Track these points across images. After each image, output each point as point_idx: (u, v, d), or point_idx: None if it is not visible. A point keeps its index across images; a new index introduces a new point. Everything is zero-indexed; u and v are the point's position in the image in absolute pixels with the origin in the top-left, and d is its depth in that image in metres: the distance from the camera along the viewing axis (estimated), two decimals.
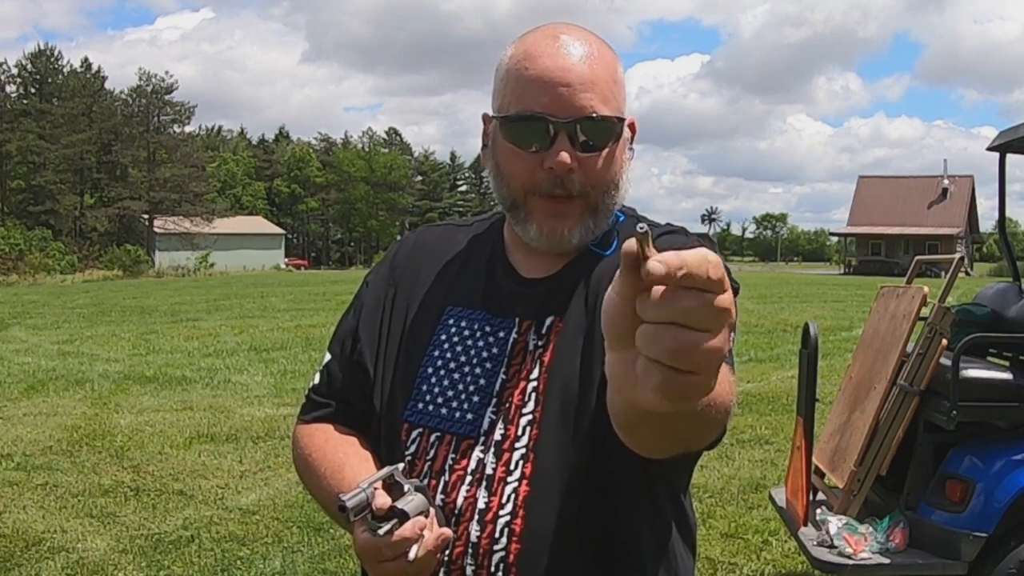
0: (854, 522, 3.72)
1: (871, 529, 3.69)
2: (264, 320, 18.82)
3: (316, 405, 1.43)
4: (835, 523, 3.70)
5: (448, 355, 1.32)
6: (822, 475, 4.28)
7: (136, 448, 7.35)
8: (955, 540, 3.53)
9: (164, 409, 9.07)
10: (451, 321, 1.35)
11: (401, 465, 1.21)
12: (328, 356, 1.44)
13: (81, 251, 57.95)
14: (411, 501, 1.15)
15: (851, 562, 3.56)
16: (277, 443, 7.43)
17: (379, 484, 1.16)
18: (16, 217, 63.15)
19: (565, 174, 1.24)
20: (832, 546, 3.64)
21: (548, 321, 1.30)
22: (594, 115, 1.23)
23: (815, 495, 4.15)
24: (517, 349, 1.30)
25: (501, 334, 1.31)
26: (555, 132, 1.23)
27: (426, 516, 1.16)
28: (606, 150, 1.26)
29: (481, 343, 1.32)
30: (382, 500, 1.14)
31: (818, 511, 3.93)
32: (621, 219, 1.36)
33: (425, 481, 1.27)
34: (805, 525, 3.86)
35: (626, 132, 1.31)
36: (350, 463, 1.31)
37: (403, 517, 1.13)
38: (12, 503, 5.87)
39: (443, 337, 1.34)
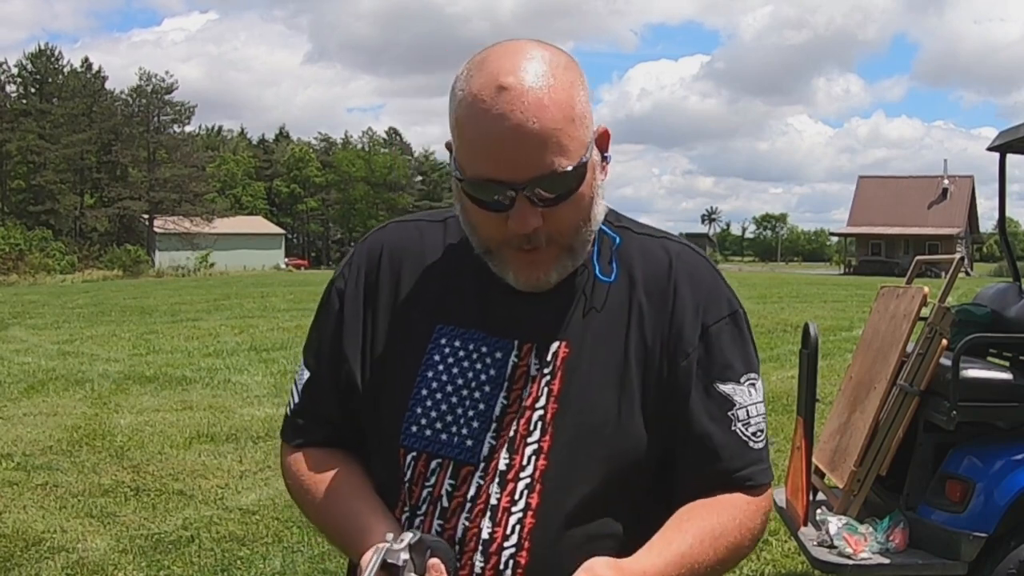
0: (854, 522, 3.72)
1: (871, 529, 3.69)
2: (264, 320, 18.80)
3: (301, 429, 1.37)
4: (835, 523, 3.70)
5: (444, 377, 1.26)
6: (822, 475, 4.28)
7: (136, 448, 7.35)
8: (955, 540, 3.53)
9: (164, 409, 9.07)
10: (443, 340, 1.28)
11: (391, 536, 1.14)
12: (306, 373, 1.36)
13: (81, 251, 57.94)
14: None
15: (851, 562, 3.56)
16: (277, 443, 7.29)
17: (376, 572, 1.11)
18: (16, 217, 63.10)
19: (530, 233, 1.19)
20: (832, 546, 3.64)
21: (553, 347, 1.25)
22: (555, 171, 1.15)
23: (815, 495, 4.15)
24: (519, 373, 1.25)
25: (499, 355, 1.26)
26: (514, 196, 1.16)
27: None
28: (571, 196, 1.19)
29: (479, 365, 1.26)
30: None
31: (818, 511, 3.92)
32: (617, 241, 1.31)
33: (424, 508, 1.24)
34: (805, 525, 3.86)
35: (594, 155, 1.22)
36: (343, 492, 1.29)
37: None
38: (12, 503, 5.87)
39: (436, 357, 1.28)
